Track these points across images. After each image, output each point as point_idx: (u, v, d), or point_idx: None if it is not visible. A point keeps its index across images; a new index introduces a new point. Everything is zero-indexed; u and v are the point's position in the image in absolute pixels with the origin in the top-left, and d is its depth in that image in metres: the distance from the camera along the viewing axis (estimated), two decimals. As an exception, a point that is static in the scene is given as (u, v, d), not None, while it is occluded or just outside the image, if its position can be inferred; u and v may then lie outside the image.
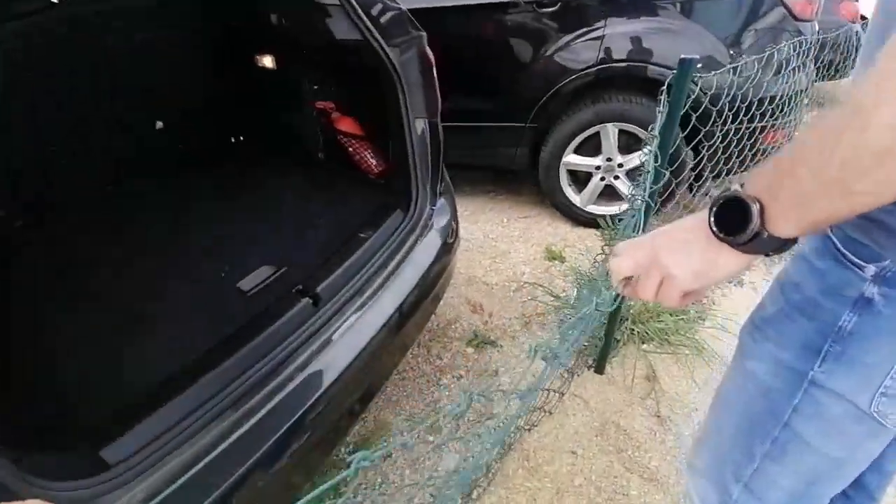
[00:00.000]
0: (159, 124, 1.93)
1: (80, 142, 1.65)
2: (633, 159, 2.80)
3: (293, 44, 1.75)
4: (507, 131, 2.92)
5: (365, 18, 1.55)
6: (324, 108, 1.87)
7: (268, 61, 1.88)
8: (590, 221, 3.03)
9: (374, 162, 1.85)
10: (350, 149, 1.86)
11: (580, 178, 3.07)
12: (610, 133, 2.72)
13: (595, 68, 2.65)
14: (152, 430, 0.88)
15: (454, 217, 1.80)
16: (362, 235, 1.52)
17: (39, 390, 1.08)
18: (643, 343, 2.17)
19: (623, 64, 2.61)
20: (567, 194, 2.99)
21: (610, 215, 2.93)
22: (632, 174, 2.91)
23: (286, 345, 1.14)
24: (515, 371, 2.07)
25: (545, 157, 2.89)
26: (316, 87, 1.89)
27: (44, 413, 1.03)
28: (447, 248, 1.70)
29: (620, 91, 2.70)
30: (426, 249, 1.61)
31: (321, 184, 1.83)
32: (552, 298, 2.45)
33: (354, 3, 1.54)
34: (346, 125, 1.86)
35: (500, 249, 2.91)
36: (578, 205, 2.99)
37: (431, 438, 1.80)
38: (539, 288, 2.55)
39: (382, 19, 1.62)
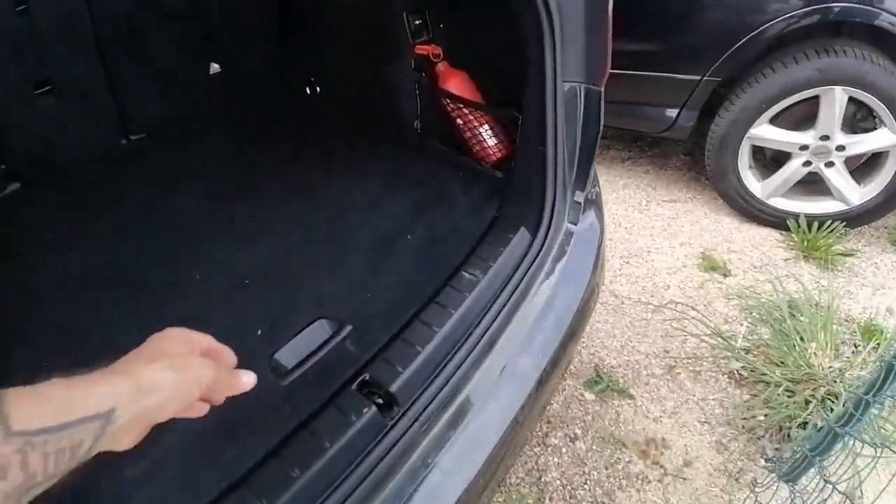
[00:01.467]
0: (215, 67, 1.47)
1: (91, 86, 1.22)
2: (863, 142, 1.90)
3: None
4: (672, 85, 2.12)
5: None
6: (427, 55, 1.28)
7: (355, -15, 1.30)
8: (770, 220, 2.21)
9: (492, 143, 1.26)
10: (459, 120, 1.27)
11: (767, 160, 2.21)
12: (836, 101, 1.83)
13: (823, 5, 1.75)
14: None
15: (602, 242, 1.19)
16: (468, 276, 0.98)
17: None
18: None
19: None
20: (744, 179, 2.17)
21: (806, 216, 2.10)
22: (853, 163, 2.02)
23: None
24: (651, 438, 1.50)
25: (723, 125, 2.07)
26: (418, 21, 1.28)
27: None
28: (590, 294, 1.12)
29: (858, 44, 1.78)
30: (564, 298, 1.04)
31: (413, 173, 1.28)
32: (709, 333, 1.78)
33: None
34: (457, 84, 1.26)
35: (637, 246, 2.22)
36: (759, 195, 2.17)
37: (531, 530, 1.33)
38: (691, 313, 1.87)
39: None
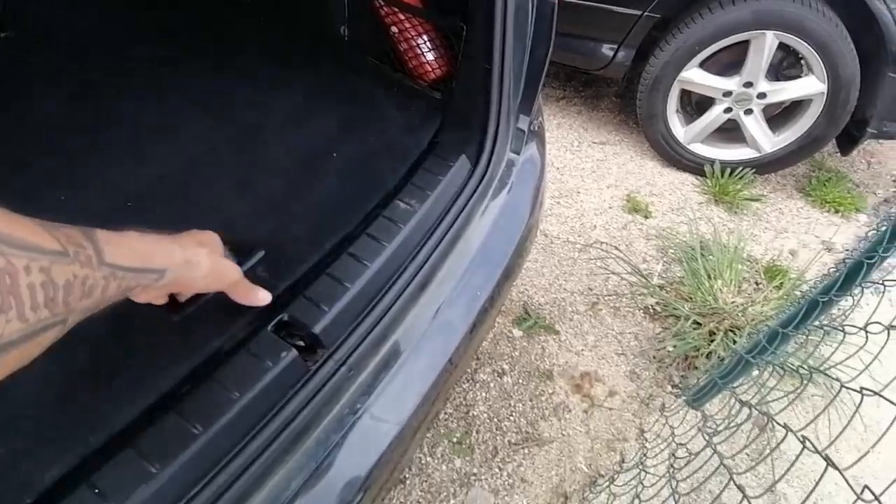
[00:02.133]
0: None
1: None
2: (785, 90, 1.98)
3: None
4: (612, 19, 2.05)
5: None
6: (356, -54, 1.07)
7: None
8: (690, 165, 2.29)
9: (431, 58, 1.11)
10: (394, 28, 1.10)
11: (692, 106, 2.26)
12: (766, 45, 1.87)
13: None
14: None
15: (542, 178, 1.12)
16: (404, 205, 0.87)
17: None
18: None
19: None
20: (670, 124, 2.21)
21: (721, 162, 2.20)
22: (770, 112, 2.11)
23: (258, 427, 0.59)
24: (574, 372, 1.56)
25: (657, 66, 2.05)
26: None
27: None
28: (530, 228, 1.06)
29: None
30: (502, 235, 0.97)
31: (339, 88, 1.11)
32: (629, 272, 1.85)
33: None
34: (392, -16, 1.08)
35: (567, 186, 2.23)
36: (682, 140, 2.23)
37: (458, 463, 1.34)
38: (614, 252, 1.93)
39: None
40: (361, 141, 1.00)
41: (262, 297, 0.63)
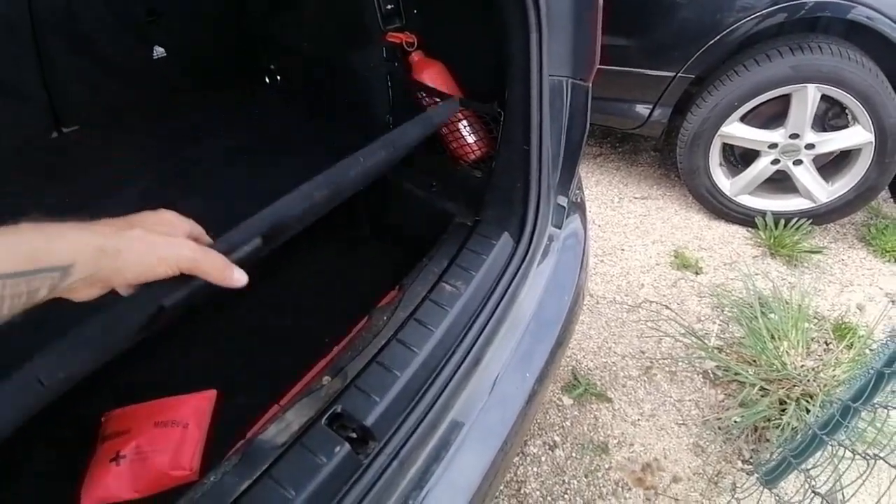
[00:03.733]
0: (159, 51, 1.31)
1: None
2: (834, 140, 1.92)
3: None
4: (645, 81, 2.09)
5: None
6: (399, 44, 1.17)
7: (318, -40, 1.18)
8: (739, 218, 2.23)
9: (471, 140, 1.17)
10: (434, 115, 1.18)
11: (736, 158, 2.23)
12: (809, 98, 1.84)
13: (794, 1, 1.75)
14: None
15: (586, 247, 1.13)
16: (450, 287, 0.89)
17: None
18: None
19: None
20: (714, 177, 2.17)
21: (773, 213, 2.13)
22: (820, 161, 2.05)
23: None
24: (634, 448, 1.47)
25: (695, 122, 2.05)
26: (391, 6, 1.18)
27: None
28: (577, 295, 1.05)
29: (833, 39, 1.80)
30: (549, 309, 0.97)
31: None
32: (683, 332, 1.77)
33: None
34: (433, 76, 1.16)
35: (610, 244, 2.20)
36: (728, 193, 2.18)
37: (511, 547, 1.27)
38: (665, 312, 1.86)
39: None
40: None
41: (238, 276, 0.53)
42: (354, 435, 0.69)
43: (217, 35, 1.40)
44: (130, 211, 1.00)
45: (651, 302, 1.91)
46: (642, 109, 2.18)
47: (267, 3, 1.39)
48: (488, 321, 0.87)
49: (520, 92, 0.98)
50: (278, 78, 1.41)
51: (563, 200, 1.10)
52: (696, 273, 2.04)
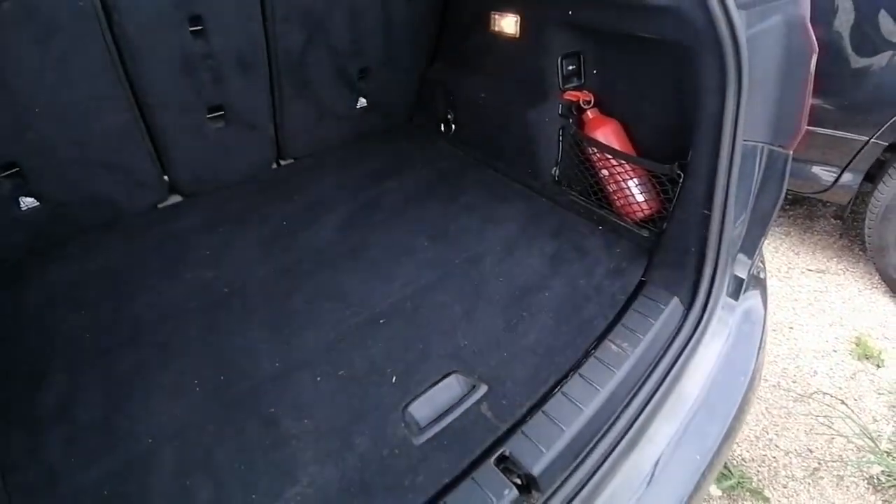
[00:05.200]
0: (362, 101, 1.52)
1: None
2: None
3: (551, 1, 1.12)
4: (834, 143, 1.87)
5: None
6: (577, 102, 1.22)
7: (508, 24, 1.28)
8: (948, 308, 1.84)
9: (640, 199, 1.15)
10: (605, 171, 1.19)
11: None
12: None
13: None
14: None
15: (765, 327, 1.03)
16: (616, 348, 0.88)
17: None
18: None
19: None
20: (913, 258, 1.84)
21: None
22: None
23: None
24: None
25: (889, 193, 1.78)
26: (572, 66, 1.23)
27: None
28: (753, 380, 0.96)
29: None
30: (723, 388, 0.90)
31: (549, 222, 1.21)
32: (856, 433, 1.49)
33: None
34: (607, 133, 1.18)
35: (776, 318, 1.96)
36: (932, 278, 1.83)
37: None
38: (840, 407, 1.59)
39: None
40: (570, 276, 1.06)
41: None
42: (520, 481, 0.70)
43: (407, 87, 1.59)
44: (329, 237, 1.15)
45: (825, 394, 1.65)
46: (828, 173, 1.94)
47: (453, 60, 1.54)
48: (656, 390, 0.83)
49: (707, 155, 0.96)
50: (454, 126, 1.54)
51: (742, 272, 1.02)
52: (878, 366, 1.73)
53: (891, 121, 1.71)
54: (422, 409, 0.80)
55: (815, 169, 1.96)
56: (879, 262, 1.94)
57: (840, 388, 1.67)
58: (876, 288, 2.04)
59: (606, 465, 0.74)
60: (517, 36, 1.27)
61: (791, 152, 0.96)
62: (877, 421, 1.56)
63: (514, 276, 1.06)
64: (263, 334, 0.93)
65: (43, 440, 0.77)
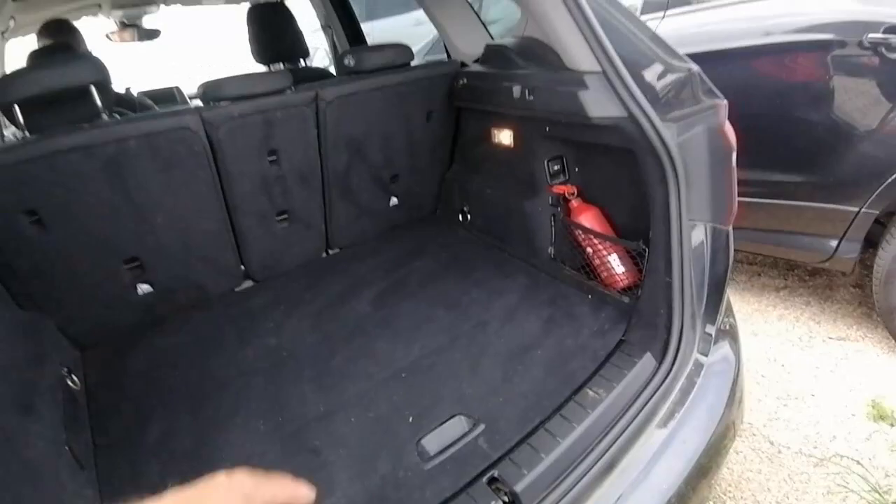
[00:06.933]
0: (394, 200, 1.88)
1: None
2: None
3: (537, 119, 1.44)
4: (827, 215, 2.02)
5: (632, 87, 1.12)
6: (563, 194, 1.50)
7: (505, 137, 1.62)
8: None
9: (620, 271, 1.38)
10: (590, 249, 1.43)
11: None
12: None
13: None
14: None
15: (738, 376, 1.18)
16: (592, 394, 1.07)
17: None
18: None
19: None
20: (926, 320, 1.89)
21: None
22: None
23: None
24: None
25: (887, 258, 1.89)
26: (557, 167, 1.53)
27: None
28: (723, 429, 1.10)
29: None
30: (691, 432, 1.05)
31: (546, 293, 1.44)
32: (867, 489, 1.50)
33: (620, 67, 1.13)
34: (589, 218, 1.44)
35: (796, 387, 2.01)
36: (950, 341, 1.86)
37: None
38: (854, 467, 1.61)
39: (661, 84, 1.16)
40: (560, 337, 1.27)
41: (306, 492, 0.51)
42: (506, 498, 0.89)
43: (430, 187, 1.94)
44: (364, 310, 1.42)
45: (842, 456, 1.67)
46: (827, 243, 2.08)
47: (465, 165, 1.89)
48: (626, 428, 1.00)
49: (662, 232, 1.19)
50: (469, 216, 1.85)
51: (710, 329, 1.20)
52: (892, 425, 1.74)
53: (877, 191, 1.87)
54: (431, 442, 1.01)
55: (816, 240, 2.10)
56: (890, 324, 1.99)
57: (857, 450, 1.69)
58: (893, 351, 2.06)
59: (580, 486, 0.91)
60: (513, 146, 1.60)
61: (730, 227, 1.17)
62: (888, 476, 1.57)
63: (513, 337, 1.28)
64: (312, 386, 1.19)
65: (143, 469, 1.03)
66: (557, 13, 1.19)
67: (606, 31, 1.16)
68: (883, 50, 1.73)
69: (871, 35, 1.74)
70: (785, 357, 2.15)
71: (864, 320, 2.28)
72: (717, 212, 1.17)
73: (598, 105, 1.19)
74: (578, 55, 1.21)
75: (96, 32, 2.60)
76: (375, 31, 4.49)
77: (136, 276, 1.43)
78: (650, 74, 1.17)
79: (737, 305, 2.51)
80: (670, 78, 1.17)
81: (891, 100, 1.79)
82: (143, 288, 1.44)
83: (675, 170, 1.13)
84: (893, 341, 2.05)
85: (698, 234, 1.18)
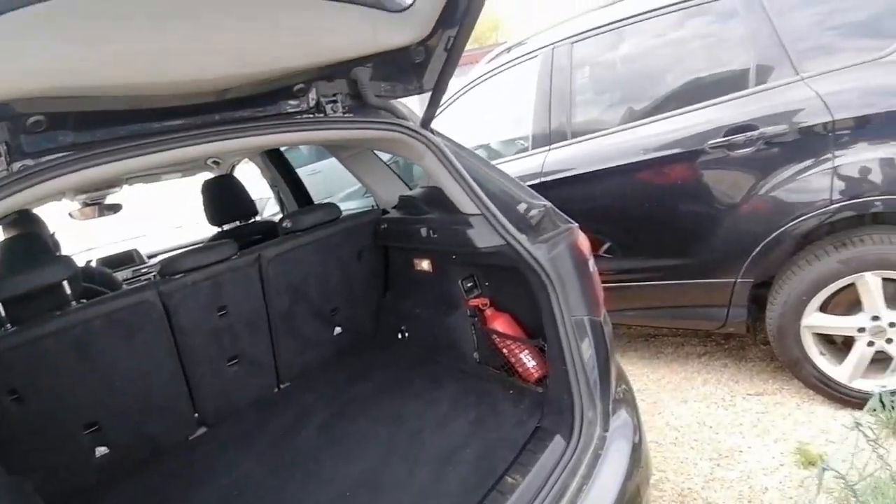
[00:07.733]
0: (338, 329, 2.09)
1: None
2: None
3: (443, 251, 1.75)
4: (712, 289, 2.37)
5: (505, 223, 1.45)
6: (478, 305, 1.76)
7: (425, 265, 1.92)
8: (863, 403, 2.10)
9: (531, 365, 1.61)
10: (505, 350, 1.67)
11: (840, 344, 2.23)
12: (870, 285, 1.96)
13: (835, 205, 1.98)
14: None
15: (638, 436, 1.37)
16: (511, 480, 1.23)
17: None
18: None
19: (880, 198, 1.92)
20: (819, 366, 2.17)
21: (893, 392, 2.00)
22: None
23: None
24: None
25: (774, 317, 2.21)
26: (470, 284, 1.82)
27: None
28: (636, 484, 1.27)
29: (878, 228, 1.98)
30: (596, 496, 1.21)
31: (473, 394, 1.63)
32: None
33: (493, 210, 1.47)
34: (501, 324, 1.70)
35: (725, 446, 2.19)
36: (842, 380, 2.13)
37: None
38: (795, 518, 1.74)
39: (528, 217, 1.50)
40: (486, 433, 1.44)
41: None
42: None
43: (369, 313, 2.18)
44: (311, 436, 1.56)
45: (776, 507, 1.81)
46: (720, 312, 2.40)
47: (397, 291, 2.16)
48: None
49: (552, 329, 1.44)
50: (406, 334, 2.07)
51: (606, 403, 1.41)
52: (824, 469, 1.91)
53: (745, 264, 2.24)
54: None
55: (709, 310, 2.43)
56: (800, 375, 2.25)
57: (790, 498, 1.84)
58: (813, 399, 2.30)
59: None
60: (432, 271, 1.90)
61: (601, 318, 1.45)
62: (834, 525, 1.71)
63: (445, 442, 1.45)
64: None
65: None
66: (442, 173, 1.56)
67: (480, 183, 1.52)
68: (727, 151, 2.17)
69: (710, 142, 2.20)
70: (712, 419, 2.35)
71: (779, 373, 2.54)
72: (589, 307, 1.45)
73: (482, 238, 1.51)
74: (463, 202, 1.56)
75: (58, 209, 2.86)
76: (326, 167, 4.99)
77: (94, 439, 1.53)
78: (519, 211, 1.52)
79: (666, 376, 2.75)
80: (533, 212, 1.52)
81: (743, 189, 2.19)
82: (101, 451, 1.53)
83: (549, 279, 1.42)
84: (808, 389, 2.30)
85: (580, 326, 1.45)
